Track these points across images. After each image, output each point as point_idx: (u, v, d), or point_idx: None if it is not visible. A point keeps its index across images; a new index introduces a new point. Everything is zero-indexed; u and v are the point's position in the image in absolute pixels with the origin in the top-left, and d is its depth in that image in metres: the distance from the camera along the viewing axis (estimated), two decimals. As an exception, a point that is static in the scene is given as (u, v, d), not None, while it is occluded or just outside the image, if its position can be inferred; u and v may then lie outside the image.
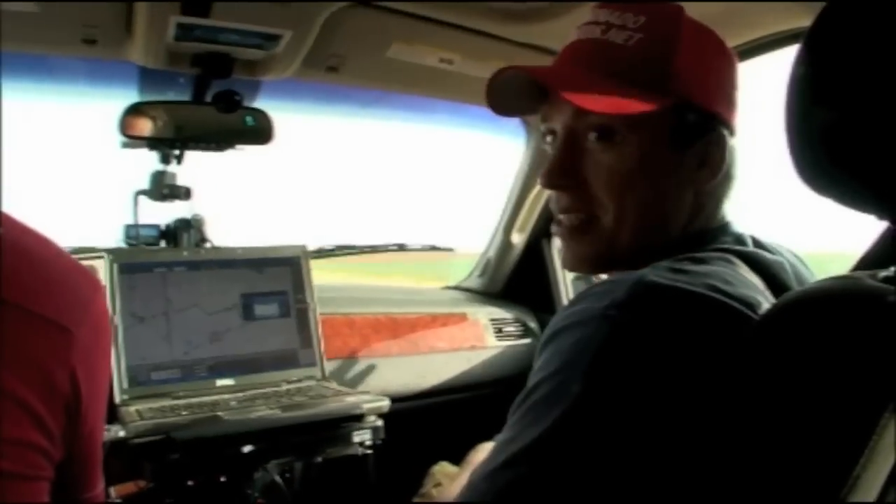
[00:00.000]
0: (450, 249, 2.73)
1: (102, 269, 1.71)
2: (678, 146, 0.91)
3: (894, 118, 0.68)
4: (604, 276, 1.01)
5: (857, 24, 0.70)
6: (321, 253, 2.40)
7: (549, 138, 0.97)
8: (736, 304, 0.77)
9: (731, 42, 1.02)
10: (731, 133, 0.95)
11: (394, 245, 2.61)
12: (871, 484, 0.62)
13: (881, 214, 0.76)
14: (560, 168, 0.93)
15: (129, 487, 1.47)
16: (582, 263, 0.99)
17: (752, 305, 0.78)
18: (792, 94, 0.75)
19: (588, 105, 0.87)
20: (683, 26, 0.91)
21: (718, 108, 0.92)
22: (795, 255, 1.00)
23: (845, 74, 0.71)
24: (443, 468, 1.38)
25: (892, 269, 0.74)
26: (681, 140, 0.90)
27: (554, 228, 0.99)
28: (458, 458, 1.31)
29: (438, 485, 1.34)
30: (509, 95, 0.99)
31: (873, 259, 1.33)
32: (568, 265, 1.01)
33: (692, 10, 0.95)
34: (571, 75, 0.94)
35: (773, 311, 0.74)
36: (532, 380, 0.78)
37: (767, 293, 0.85)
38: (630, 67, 0.90)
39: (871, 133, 0.70)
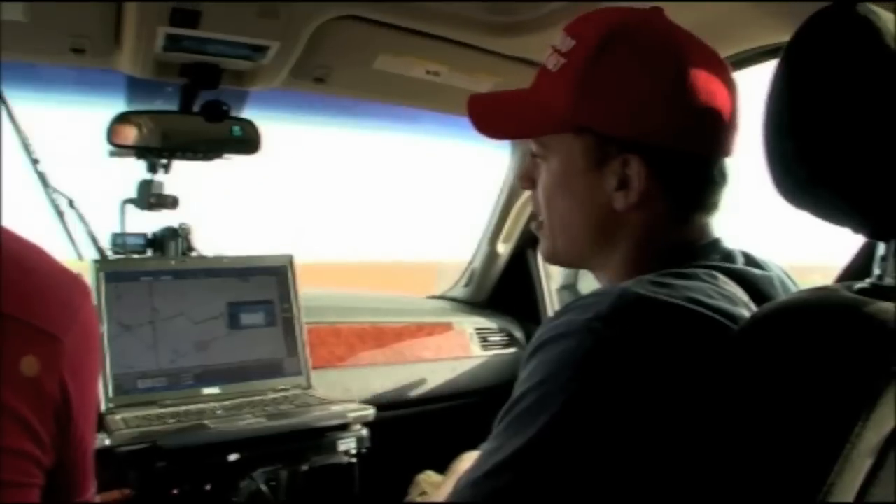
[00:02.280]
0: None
1: (88, 276, 1.72)
2: (594, 166, 0.93)
3: (869, 134, 0.70)
4: (588, 284, 1.03)
5: (835, 39, 0.72)
6: None
7: None
8: (716, 317, 0.79)
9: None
10: (655, 155, 0.90)
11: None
12: (846, 491, 0.64)
13: (857, 228, 0.78)
14: (522, 173, 1.04)
15: (114, 495, 1.47)
16: (544, 257, 1.07)
17: (733, 318, 0.80)
18: (770, 109, 0.77)
19: (487, 133, 1.03)
20: (603, 45, 0.90)
21: (631, 134, 0.90)
22: (785, 272, 1.01)
23: (823, 90, 0.72)
24: (428, 477, 1.39)
25: (868, 280, 0.76)
26: (595, 160, 0.92)
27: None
28: (443, 467, 1.32)
29: (423, 493, 1.34)
30: None
31: (854, 272, 1.36)
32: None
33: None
34: (509, 104, 1.05)
35: (751, 322, 0.75)
36: (517, 390, 0.79)
37: (752, 306, 0.86)
38: (548, 95, 0.95)
39: (848, 149, 0.71)
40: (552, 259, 1.05)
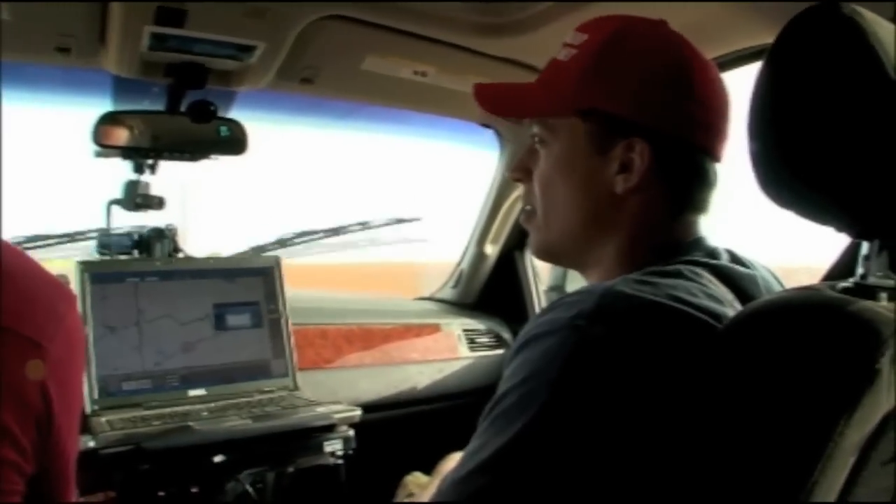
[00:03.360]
0: (417, 220, 2.68)
1: (73, 277, 1.71)
2: (597, 151, 0.94)
3: (853, 135, 0.70)
4: (575, 285, 1.03)
5: (819, 40, 0.72)
6: (282, 243, 2.35)
7: None
8: (700, 315, 0.79)
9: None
10: (661, 142, 0.93)
11: (357, 225, 2.54)
12: (829, 489, 0.64)
13: (841, 228, 0.78)
14: (517, 164, 1.05)
15: (98, 498, 1.46)
16: (534, 251, 1.08)
17: (716, 316, 0.80)
18: (754, 110, 0.77)
19: (496, 111, 1.07)
20: (614, 37, 0.95)
21: (637, 117, 0.93)
22: (769, 270, 1.01)
23: (805, 90, 0.73)
24: (415, 478, 1.39)
25: (851, 280, 0.76)
26: (599, 145, 0.94)
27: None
28: (430, 469, 1.32)
29: (411, 494, 1.34)
30: None
31: (839, 271, 1.36)
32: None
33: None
34: (516, 89, 1.06)
35: (735, 321, 0.75)
36: (501, 388, 0.79)
37: (737, 304, 0.87)
38: (558, 80, 0.98)
39: (832, 149, 0.71)
40: (543, 252, 1.06)
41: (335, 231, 2.50)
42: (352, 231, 2.53)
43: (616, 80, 0.93)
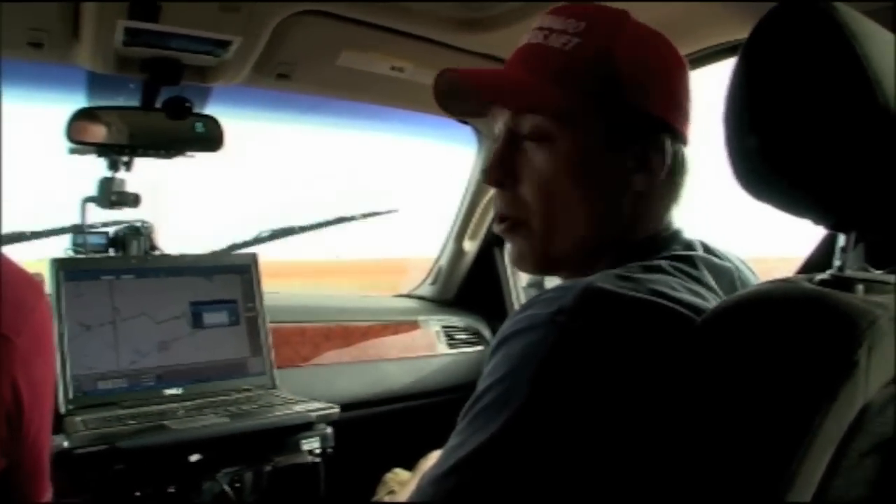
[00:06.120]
0: (394, 211, 2.66)
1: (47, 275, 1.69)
2: (615, 146, 0.90)
3: (829, 127, 0.70)
4: (554, 280, 1.01)
5: (794, 33, 0.72)
6: (258, 240, 2.32)
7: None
8: (681, 309, 0.78)
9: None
10: (677, 139, 0.93)
11: (333, 220, 2.53)
12: (808, 482, 0.64)
13: (818, 220, 0.78)
14: (498, 163, 0.94)
15: (73, 500, 1.44)
16: (520, 263, 0.99)
17: (698, 310, 0.79)
18: (730, 104, 0.77)
19: (502, 102, 0.94)
20: (624, 30, 0.91)
21: (659, 112, 0.91)
22: (743, 262, 1.01)
23: (781, 84, 0.73)
24: (396, 476, 1.38)
25: (828, 272, 0.77)
26: (618, 140, 0.90)
27: (495, 227, 1.00)
28: (409, 466, 1.32)
29: (392, 492, 1.33)
30: (461, 98, 1.00)
31: (815, 263, 1.37)
32: (512, 262, 1.02)
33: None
34: (501, 76, 0.97)
35: (713, 314, 0.75)
36: (481, 385, 0.78)
37: (718, 297, 0.87)
38: (564, 69, 0.90)
39: (808, 142, 0.72)
40: (540, 266, 0.99)
41: (312, 227, 2.48)
42: (330, 224, 2.52)
43: (644, 77, 0.90)
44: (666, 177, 0.92)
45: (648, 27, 0.95)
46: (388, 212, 2.65)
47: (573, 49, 0.90)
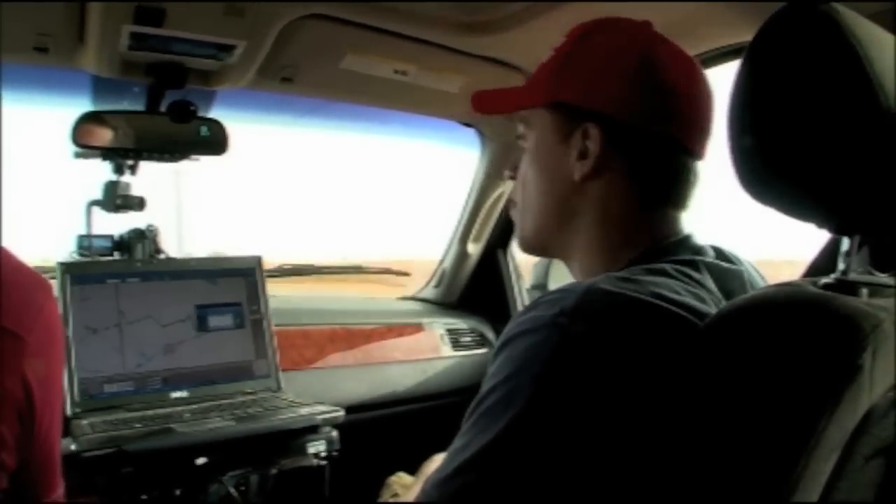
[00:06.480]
0: (406, 274, 2.79)
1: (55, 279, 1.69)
2: (560, 140, 0.98)
3: (832, 130, 0.71)
4: (558, 282, 1.03)
5: (798, 36, 0.73)
6: (274, 273, 2.41)
7: None
8: (682, 312, 0.79)
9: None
10: (615, 126, 0.95)
11: (351, 267, 2.68)
12: (813, 485, 0.64)
13: (822, 224, 0.78)
14: (513, 161, 1.10)
15: (83, 501, 1.45)
16: (518, 243, 1.12)
17: (698, 313, 0.80)
18: (734, 106, 0.78)
19: (481, 109, 1.12)
20: (582, 36, 1.00)
21: (591, 104, 0.95)
22: (753, 266, 1.02)
23: (784, 87, 0.73)
24: (400, 479, 1.38)
25: (833, 276, 0.77)
26: (562, 134, 0.98)
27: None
28: (414, 469, 1.32)
29: (395, 495, 1.34)
30: None
31: (820, 267, 1.37)
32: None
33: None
34: (506, 90, 1.12)
35: (717, 318, 0.75)
36: (484, 387, 0.79)
37: (722, 302, 0.87)
38: (535, 78, 1.04)
39: (811, 145, 0.72)
40: (522, 243, 1.10)
41: (329, 269, 2.67)
42: (346, 272, 2.72)
43: (575, 72, 0.98)
44: (612, 165, 0.95)
45: (619, 33, 0.99)
46: (403, 274, 2.80)
47: (547, 61, 1.02)
